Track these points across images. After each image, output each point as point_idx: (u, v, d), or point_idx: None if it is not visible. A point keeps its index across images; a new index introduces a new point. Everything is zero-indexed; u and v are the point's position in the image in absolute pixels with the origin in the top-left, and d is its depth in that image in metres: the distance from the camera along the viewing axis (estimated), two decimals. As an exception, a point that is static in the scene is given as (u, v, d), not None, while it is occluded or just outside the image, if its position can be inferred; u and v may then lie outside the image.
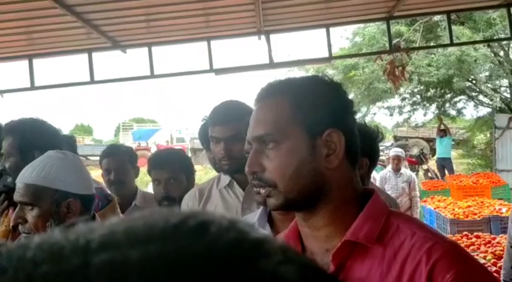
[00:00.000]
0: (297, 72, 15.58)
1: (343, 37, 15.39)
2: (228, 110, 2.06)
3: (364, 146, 1.95)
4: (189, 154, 20.10)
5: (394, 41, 7.06)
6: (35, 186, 1.63)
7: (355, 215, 1.05)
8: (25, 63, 6.34)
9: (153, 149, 24.94)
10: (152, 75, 6.40)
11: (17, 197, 1.65)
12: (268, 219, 1.70)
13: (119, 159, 2.91)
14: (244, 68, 6.86)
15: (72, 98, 78.72)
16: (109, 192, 3.32)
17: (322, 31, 6.45)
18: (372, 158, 2.14)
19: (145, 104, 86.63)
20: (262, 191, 1.05)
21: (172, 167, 2.48)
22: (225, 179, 2.12)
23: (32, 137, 2.11)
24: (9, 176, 2.14)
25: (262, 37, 6.23)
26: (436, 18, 11.22)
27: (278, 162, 1.04)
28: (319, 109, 1.04)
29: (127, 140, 28.60)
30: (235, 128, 1.97)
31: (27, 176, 1.65)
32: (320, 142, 1.04)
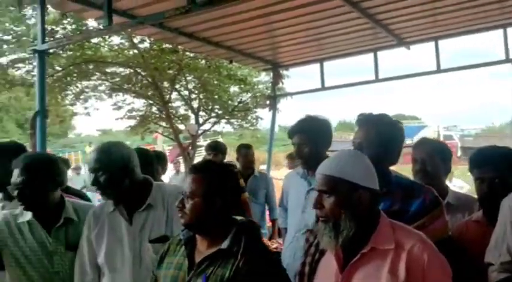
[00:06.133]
0: None
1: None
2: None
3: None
4: (459, 153, 19.58)
5: None
6: (331, 177, 1.83)
7: None
8: (316, 66, 6.93)
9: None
10: (438, 70, 6.27)
11: (317, 185, 1.87)
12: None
13: None
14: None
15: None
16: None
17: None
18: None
19: (405, 100, 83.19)
20: None
21: None
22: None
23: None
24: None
25: None
26: None
27: None
28: None
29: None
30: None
31: (326, 168, 1.87)
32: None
